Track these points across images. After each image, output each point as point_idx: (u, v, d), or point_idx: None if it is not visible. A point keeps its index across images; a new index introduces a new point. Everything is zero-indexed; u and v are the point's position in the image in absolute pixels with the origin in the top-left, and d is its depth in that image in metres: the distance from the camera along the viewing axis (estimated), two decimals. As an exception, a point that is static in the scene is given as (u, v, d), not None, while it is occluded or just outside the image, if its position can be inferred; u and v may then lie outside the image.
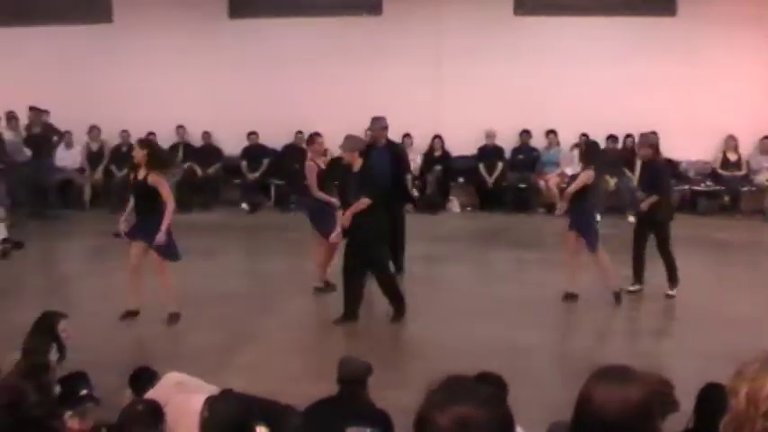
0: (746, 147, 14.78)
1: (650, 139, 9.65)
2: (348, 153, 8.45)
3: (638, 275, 9.41)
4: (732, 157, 14.71)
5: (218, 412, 4.60)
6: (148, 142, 9.14)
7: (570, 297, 9.16)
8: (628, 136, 14.64)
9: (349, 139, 8.67)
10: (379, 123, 10.04)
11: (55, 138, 15.07)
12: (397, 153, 10.35)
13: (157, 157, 8.54)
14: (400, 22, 15.15)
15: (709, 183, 14.62)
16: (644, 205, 9.30)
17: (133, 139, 15.35)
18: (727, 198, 14.49)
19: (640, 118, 14.14)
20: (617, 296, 9.00)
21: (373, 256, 8.38)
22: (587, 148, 9.87)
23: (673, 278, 9.25)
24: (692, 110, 14.42)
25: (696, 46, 14.64)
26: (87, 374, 5.80)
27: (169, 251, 8.34)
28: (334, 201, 9.22)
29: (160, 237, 8.07)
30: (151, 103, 15.22)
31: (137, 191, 8.39)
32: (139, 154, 8.36)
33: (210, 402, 4.87)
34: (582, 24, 15.06)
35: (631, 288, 9.33)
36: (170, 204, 8.23)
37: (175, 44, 15.44)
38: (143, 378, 5.39)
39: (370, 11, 15.53)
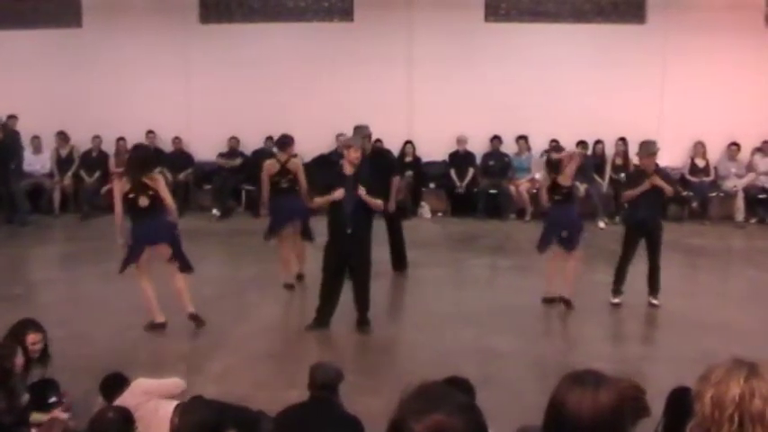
0: (714, 153, 14.95)
1: (654, 148, 9.24)
2: (354, 150, 8.26)
3: (622, 286, 9.33)
4: (700, 163, 14.87)
5: (188, 419, 4.57)
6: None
7: (549, 301, 9.26)
8: (597, 142, 14.76)
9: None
10: (362, 132, 10.02)
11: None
12: (384, 160, 10.56)
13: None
14: (372, 29, 15.16)
15: (678, 189, 14.74)
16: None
17: (104, 145, 15.33)
18: (695, 204, 14.63)
19: (610, 124, 14.29)
20: (568, 303, 9.10)
21: (368, 257, 8.38)
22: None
23: (658, 287, 9.21)
24: (660, 116, 14.58)
25: (665, 53, 14.81)
26: (57, 381, 5.75)
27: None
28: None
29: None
30: (121, 108, 15.13)
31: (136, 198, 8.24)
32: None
33: (181, 409, 4.84)
34: (552, 31, 15.17)
35: (617, 300, 9.28)
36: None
37: (145, 49, 15.34)
38: (114, 384, 5.35)
39: (341, 17, 15.54)
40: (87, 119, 15.08)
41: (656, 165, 9.24)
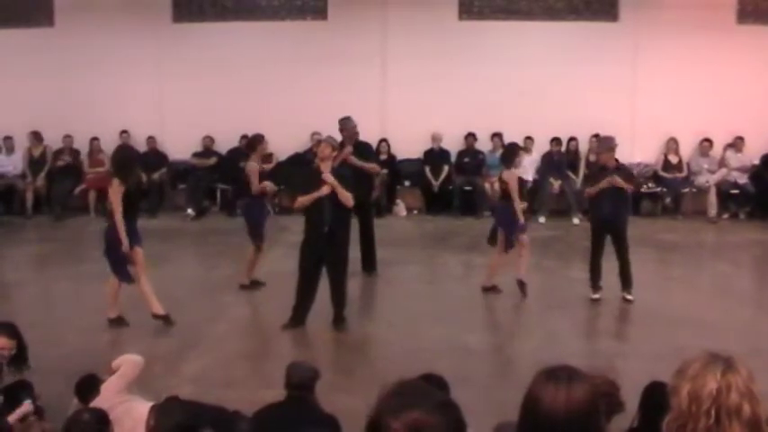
0: (687, 149, 15.07)
1: (613, 143, 9.37)
2: (325, 146, 8.29)
3: (599, 281, 9.38)
4: (673, 159, 14.98)
5: (164, 420, 4.55)
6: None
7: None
8: (571, 139, 14.85)
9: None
10: (350, 123, 10.01)
11: None
12: (365, 150, 10.49)
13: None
14: (345, 27, 15.15)
15: (651, 185, 14.86)
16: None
17: (77, 145, 15.20)
18: (668, 200, 14.75)
19: (584, 121, 14.37)
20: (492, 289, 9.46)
21: (345, 255, 8.38)
22: (506, 151, 9.90)
23: (630, 282, 9.28)
24: (633, 113, 14.68)
25: (637, 50, 14.92)
26: (31, 384, 5.70)
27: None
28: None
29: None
30: (94, 107, 15.02)
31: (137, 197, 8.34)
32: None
33: (156, 410, 4.82)
34: (526, 29, 15.24)
35: (596, 296, 9.32)
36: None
37: (118, 49, 15.22)
38: (88, 386, 5.31)
39: (315, 15, 15.51)
40: (60, 119, 14.94)
41: (616, 161, 9.34)
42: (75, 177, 15.05)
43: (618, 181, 9.00)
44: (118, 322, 8.34)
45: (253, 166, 9.59)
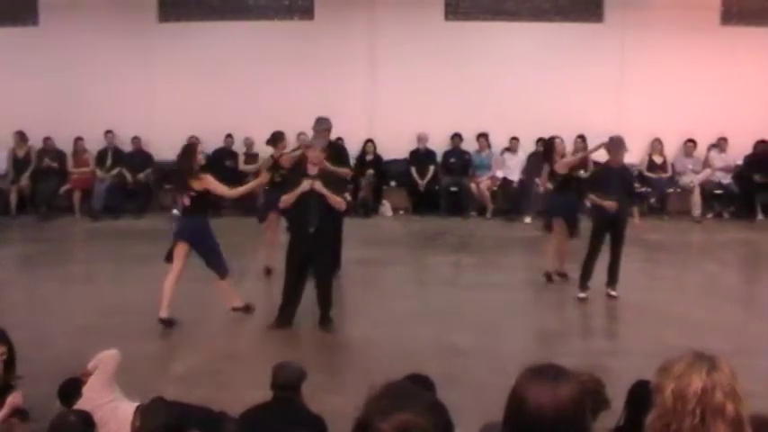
0: (671, 150, 15.15)
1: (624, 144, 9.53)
2: (319, 151, 8.31)
3: (588, 282, 9.44)
4: (658, 159, 15.05)
5: (149, 421, 4.53)
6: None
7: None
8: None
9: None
10: (322, 125, 9.98)
11: None
12: (338, 154, 10.43)
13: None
14: (332, 27, 15.14)
15: (636, 185, 14.89)
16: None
17: (62, 143, 15.12)
18: (654, 200, 14.81)
19: (569, 122, 14.38)
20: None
21: (331, 255, 8.38)
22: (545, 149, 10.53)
23: (617, 279, 9.38)
24: (619, 113, 14.71)
25: (623, 51, 14.97)
26: (14, 385, 5.67)
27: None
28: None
29: None
30: (78, 107, 14.95)
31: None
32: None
33: (142, 411, 4.80)
34: (512, 30, 15.27)
35: (583, 295, 9.38)
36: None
37: (104, 48, 15.17)
38: (71, 390, 5.28)
39: (302, 15, 15.50)
40: (44, 118, 14.86)
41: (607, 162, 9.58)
42: (60, 177, 14.98)
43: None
44: (245, 310, 8.73)
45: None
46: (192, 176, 8.32)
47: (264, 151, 14.31)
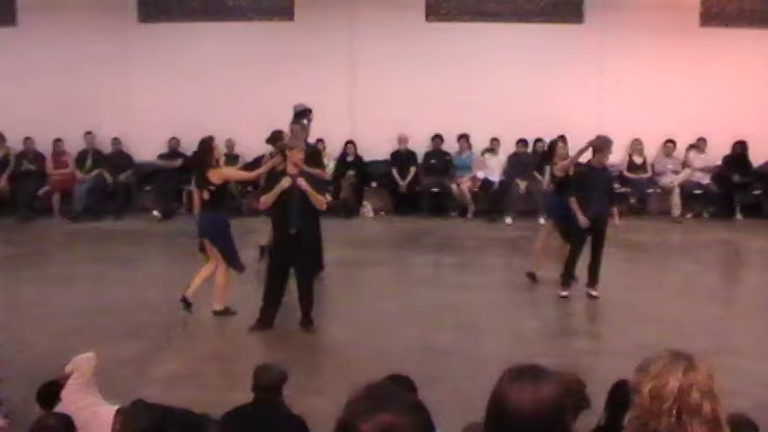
0: (651, 150, 15.23)
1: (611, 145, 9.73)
2: (298, 151, 8.31)
3: (571, 280, 9.53)
4: (638, 159, 15.13)
5: (130, 424, 4.51)
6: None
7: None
8: (538, 140, 14.90)
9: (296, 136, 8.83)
10: (300, 117, 9.96)
11: None
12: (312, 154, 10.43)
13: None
14: (313, 28, 15.12)
15: (616, 185, 14.97)
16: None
17: (41, 145, 15.03)
18: (634, 200, 14.88)
19: (550, 123, 14.43)
20: None
21: (312, 257, 8.38)
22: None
23: (598, 279, 9.45)
24: (599, 114, 14.77)
25: (603, 52, 15.03)
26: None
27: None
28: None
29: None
30: (58, 108, 14.83)
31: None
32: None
33: (122, 414, 4.78)
34: (493, 31, 15.29)
35: (565, 294, 9.45)
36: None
37: (83, 49, 15.04)
38: (50, 394, 5.24)
39: (282, 16, 15.47)
40: (23, 119, 14.76)
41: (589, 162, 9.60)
42: (40, 179, 14.88)
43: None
44: (224, 313, 8.67)
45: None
46: (210, 170, 8.45)
47: (250, 153, 14.38)
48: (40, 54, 15.02)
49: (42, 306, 9.12)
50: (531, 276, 10.09)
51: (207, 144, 8.77)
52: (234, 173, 8.44)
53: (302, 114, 10.08)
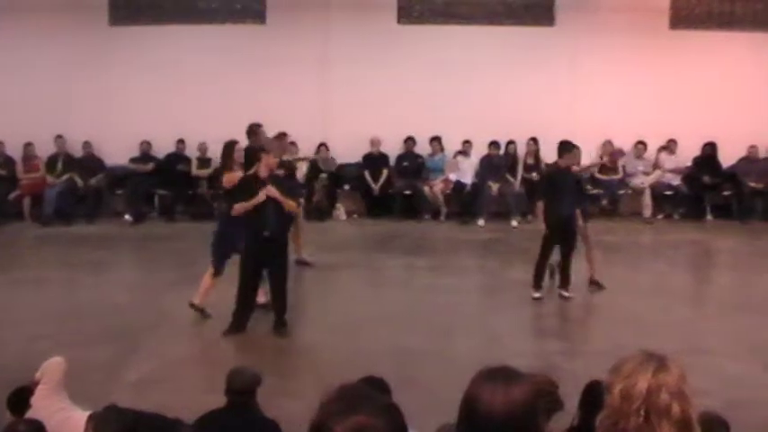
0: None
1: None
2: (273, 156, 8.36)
3: (542, 281, 9.57)
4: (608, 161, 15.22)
5: (102, 429, 4.48)
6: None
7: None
8: (510, 142, 14.97)
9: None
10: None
11: None
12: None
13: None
14: (284, 31, 15.10)
15: (588, 187, 15.06)
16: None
17: (11, 148, 14.89)
18: (605, 201, 14.98)
19: (522, 125, 14.52)
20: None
21: (286, 260, 8.39)
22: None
23: (569, 280, 9.51)
24: (571, 116, 14.84)
25: (574, 54, 15.12)
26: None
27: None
28: None
29: None
30: (28, 112, 14.68)
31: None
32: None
33: (94, 419, 4.74)
34: (465, 33, 15.34)
35: (538, 295, 9.49)
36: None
37: (53, 51, 14.93)
38: (20, 400, 5.19)
39: (253, 19, 15.44)
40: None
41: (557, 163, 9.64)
42: (10, 183, 14.75)
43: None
44: (200, 312, 8.68)
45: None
46: (226, 173, 8.60)
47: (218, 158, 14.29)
48: (10, 57, 14.88)
49: (11, 311, 9.02)
50: (597, 284, 10.01)
51: (229, 148, 8.85)
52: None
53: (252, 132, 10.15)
